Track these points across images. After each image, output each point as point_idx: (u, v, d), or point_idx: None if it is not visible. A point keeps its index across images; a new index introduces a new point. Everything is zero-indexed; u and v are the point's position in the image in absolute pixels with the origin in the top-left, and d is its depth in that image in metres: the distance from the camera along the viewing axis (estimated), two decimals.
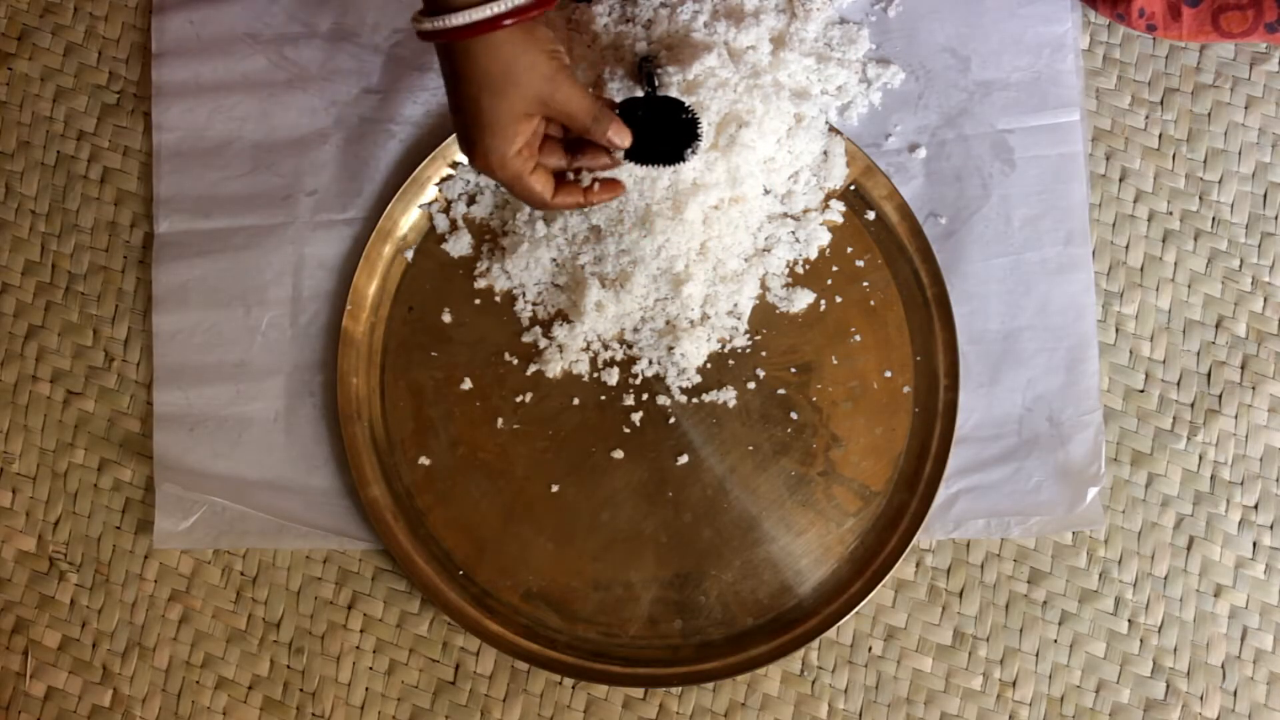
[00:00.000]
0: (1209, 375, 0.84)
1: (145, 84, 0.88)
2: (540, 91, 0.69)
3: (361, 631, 0.84)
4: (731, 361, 0.84)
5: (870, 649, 0.83)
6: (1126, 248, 0.86)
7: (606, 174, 0.76)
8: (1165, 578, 0.83)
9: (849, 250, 0.84)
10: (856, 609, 0.81)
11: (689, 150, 0.76)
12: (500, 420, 0.84)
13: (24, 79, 0.89)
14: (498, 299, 0.85)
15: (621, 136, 0.73)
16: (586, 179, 0.75)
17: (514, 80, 0.68)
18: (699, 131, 0.76)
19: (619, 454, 0.83)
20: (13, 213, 0.88)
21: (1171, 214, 0.86)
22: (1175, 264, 0.86)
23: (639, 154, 0.75)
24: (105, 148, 0.89)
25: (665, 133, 0.75)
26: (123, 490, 0.86)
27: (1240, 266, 0.85)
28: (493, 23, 0.65)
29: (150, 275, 0.86)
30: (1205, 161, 0.86)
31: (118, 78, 0.89)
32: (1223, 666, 0.82)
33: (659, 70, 0.80)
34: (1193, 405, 0.84)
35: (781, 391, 0.84)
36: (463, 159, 0.85)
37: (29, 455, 0.86)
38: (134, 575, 0.85)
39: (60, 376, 0.87)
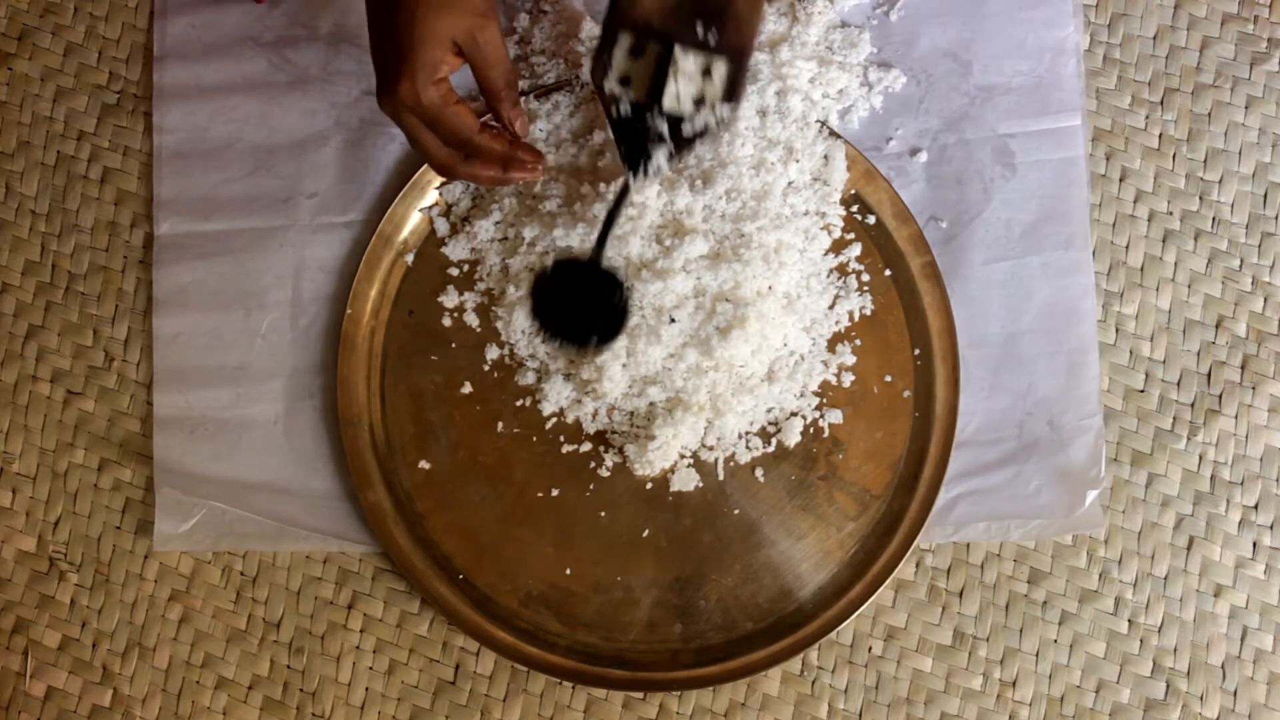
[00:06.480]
0: (1209, 375, 0.85)
1: (145, 84, 0.88)
2: (473, 24, 0.68)
3: (361, 631, 0.84)
4: None
5: (870, 649, 0.83)
6: (1126, 248, 0.86)
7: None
8: (1165, 578, 0.83)
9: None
10: (857, 612, 0.81)
11: (606, 340, 0.71)
12: (500, 424, 0.83)
13: (24, 79, 0.89)
14: None
15: (521, 121, 0.73)
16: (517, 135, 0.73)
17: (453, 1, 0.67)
18: (623, 322, 0.70)
19: (619, 458, 0.83)
20: (13, 213, 0.88)
21: (1171, 214, 0.86)
22: (1175, 264, 0.86)
23: (550, 322, 0.70)
24: (105, 148, 0.88)
25: (589, 309, 0.69)
26: (123, 490, 0.86)
27: (1240, 266, 0.85)
28: None
29: (150, 275, 0.86)
30: (1205, 161, 0.86)
31: (118, 78, 0.89)
32: (1223, 666, 0.82)
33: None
34: (1193, 405, 0.84)
35: None
36: None
37: (29, 455, 0.86)
38: (134, 575, 0.85)
39: (60, 376, 0.87)
